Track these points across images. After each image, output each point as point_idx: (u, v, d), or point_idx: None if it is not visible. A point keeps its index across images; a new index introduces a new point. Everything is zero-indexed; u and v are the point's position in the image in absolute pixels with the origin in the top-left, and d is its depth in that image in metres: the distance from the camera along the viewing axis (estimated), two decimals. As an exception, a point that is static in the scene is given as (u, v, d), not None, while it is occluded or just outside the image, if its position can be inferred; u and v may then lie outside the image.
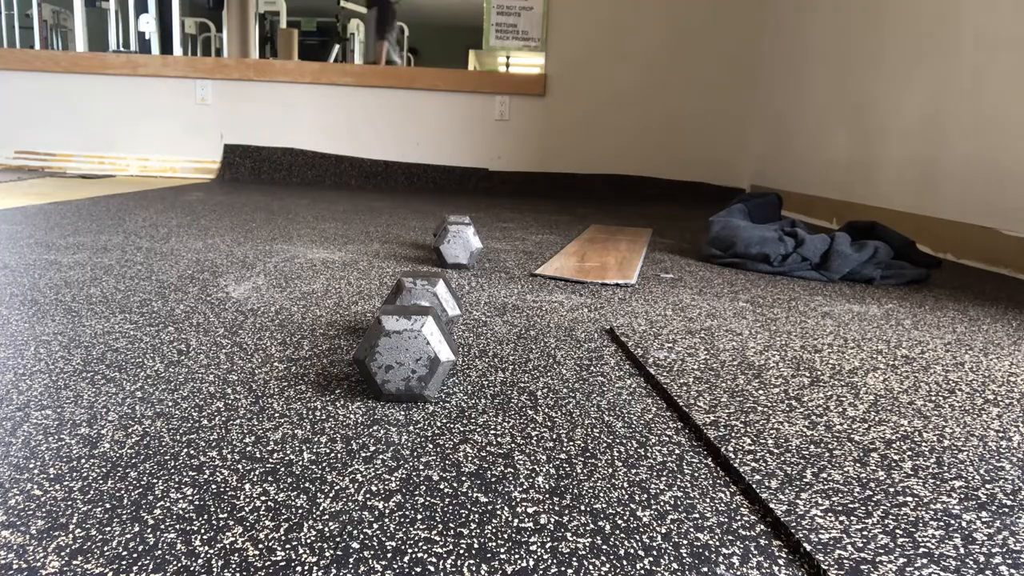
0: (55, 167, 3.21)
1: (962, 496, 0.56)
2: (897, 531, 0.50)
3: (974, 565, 0.46)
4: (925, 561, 0.47)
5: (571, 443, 0.63)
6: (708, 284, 1.35)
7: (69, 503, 0.49)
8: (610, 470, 0.58)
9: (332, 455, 0.58)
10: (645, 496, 0.54)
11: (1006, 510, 0.54)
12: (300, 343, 0.88)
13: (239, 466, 0.56)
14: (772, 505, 0.52)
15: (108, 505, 0.49)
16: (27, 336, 0.85)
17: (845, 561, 0.46)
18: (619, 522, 0.50)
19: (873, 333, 1.04)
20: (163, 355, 0.81)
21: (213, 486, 0.52)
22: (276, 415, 0.66)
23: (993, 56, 1.72)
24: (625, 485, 0.56)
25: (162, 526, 0.47)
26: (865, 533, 0.50)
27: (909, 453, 0.63)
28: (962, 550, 0.48)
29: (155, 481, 0.53)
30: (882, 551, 0.48)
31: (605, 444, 0.63)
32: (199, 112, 3.20)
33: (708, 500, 0.54)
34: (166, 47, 4.57)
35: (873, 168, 2.24)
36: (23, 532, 0.45)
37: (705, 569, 0.45)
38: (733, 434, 0.65)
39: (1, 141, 3.20)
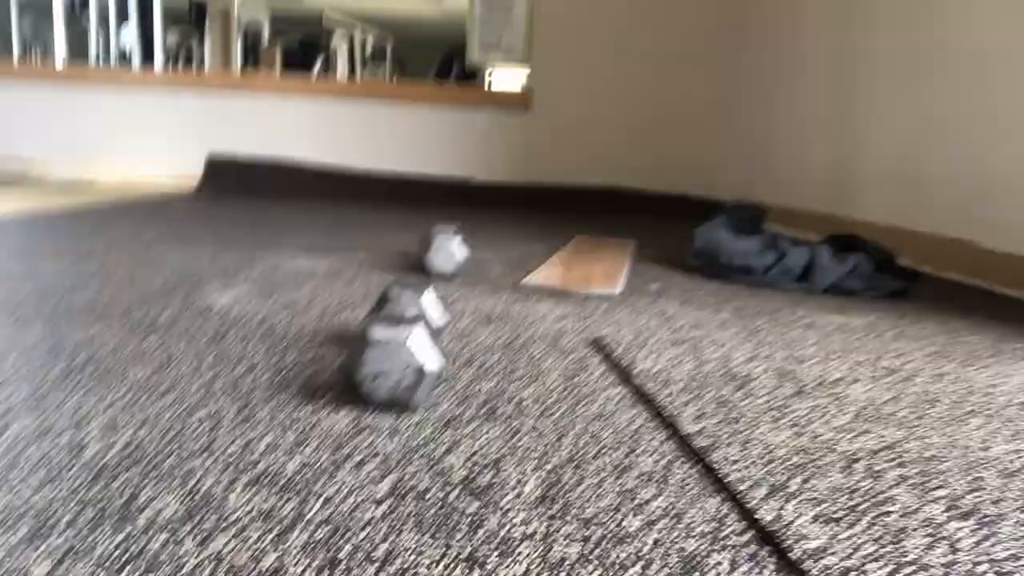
0: (36, 175, 3.18)
1: (947, 506, 0.56)
2: (884, 539, 0.50)
3: (960, 573, 0.47)
4: (912, 569, 0.47)
5: (559, 452, 0.63)
6: (692, 295, 1.35)
7: (52, 512, 0.48)
8: (598, 478, 0.58)
9: (319, 464, 0.58)
10: (634, 504, 0.54)
11: (990, 519, 0.54)
12: (286, 351, 0.87)
13: (224, 476, 0.55)
14: (759, 514, 0.53)
15: (91, 514, 0.48)
16: (10, 344, 0.84)
17: (833, 569, 0.46)
18: (608, 530, 0.50)
19: (855, 344, 1.05)
20: (147, 362, 0.80)
21: (198, 495, 0.52)
22: (261, 424, 0.65)
23: (972, 72, 1.75)
24: (614, 493, 0.56)
25: (148, 533, 0.46)
26: (852, 542, 0.50)
27: (894, 463, 0.63)
28: (948, 558, 0.48)
29: (140, 490, 0.52)
30: (869, 559, 0.48)
31: (593, 453, 0.63)
32: (182, 124, 3.18)
33: (696, 508, 0.54)
34: (147, 59, 4.54)
35: (854, 181, 2.26)
36: (4, 540, 0.45)
37: None
38: (720, 443, 0.65)
39: (-21, 149, 3.16)
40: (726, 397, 0.78)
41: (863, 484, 0.59)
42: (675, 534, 0.50)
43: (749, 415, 0.73)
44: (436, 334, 0.89)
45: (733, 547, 0.49)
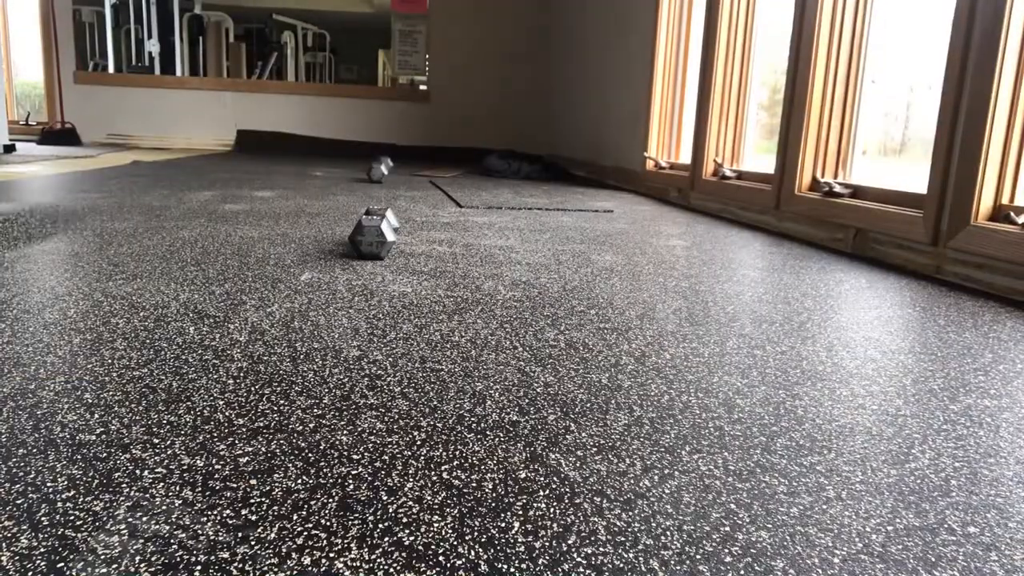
0: (132, 144, 5.28)
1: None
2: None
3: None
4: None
5: (415, 215, 2.94)
6: (475, 179, 3.68)
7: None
8: (432, 216, 2.90)
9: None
10: (435, 210, 2.86)
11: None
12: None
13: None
14: (459, 202, 2.85)
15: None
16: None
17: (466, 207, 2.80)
18: (429, 216, 2.82)
19: (521, 191, 3.39)
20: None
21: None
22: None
23: (621, 85, 4.10)
24: (439, 216, 2.88)
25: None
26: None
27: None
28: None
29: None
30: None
31: (432, 204, 2.95)
32: (222, 110, 5.33)
33: (449, 203, 2.86)
34: (167, 62, 6.59)
35: (602, 141, 4.63)
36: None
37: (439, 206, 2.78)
38: (466, 203, 2.98)
39: (100, 127, 5.24)
40: (470, 189, 3.11)
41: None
42: (443, 205, 2.83)
43: (485, 190, 3.06)
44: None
45: (447, 202, 2.82)
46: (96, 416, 0.67)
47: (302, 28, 9.84)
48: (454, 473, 0.60)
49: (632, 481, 0.60)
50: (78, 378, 0.76)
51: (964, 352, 1.02)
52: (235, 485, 0.56)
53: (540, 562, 0.48)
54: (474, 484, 0.58)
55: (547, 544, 0.50)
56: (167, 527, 0.50)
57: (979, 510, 0.58)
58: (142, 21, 6.45)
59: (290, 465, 0.59)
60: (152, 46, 6.73)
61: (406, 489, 0.57)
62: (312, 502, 0.54)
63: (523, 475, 0.60)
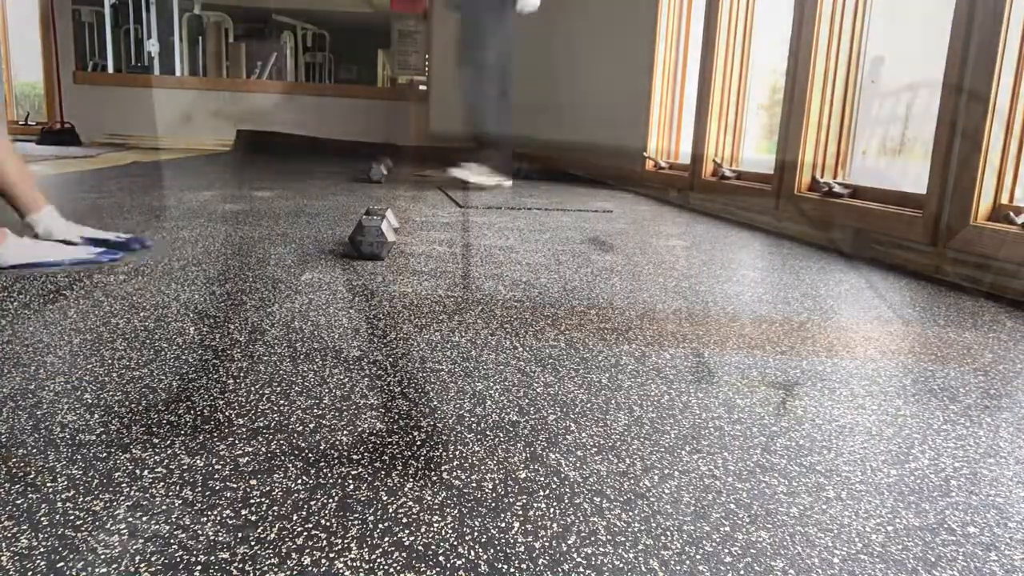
0: (131, 144, 5.28)
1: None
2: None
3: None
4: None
5: (414, 217, 2.94)
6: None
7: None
8: (431, 214, 2.90)
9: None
10: (434, 210, 2.86)
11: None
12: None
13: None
14: (459, 202, 2.85)
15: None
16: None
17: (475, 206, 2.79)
18: (429, 216, 2.82)
19: (530, 190, 3.39)
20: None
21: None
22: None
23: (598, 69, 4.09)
24: (439, 216, 2.88)
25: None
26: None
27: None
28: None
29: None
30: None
31: (430, 208, 2.95)
32: (221, 110, 5.33)
33: (449, 203, 2.87)
34: (166, 62, 6.60)
35: (602, 141, 4.63)
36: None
37: (437, 206, 2.78)
38: (466, 203, 2.98)
39: (99, 127, 5.24)
40: (470, 189, 3.11)
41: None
42: (444, 206, 2.83)
43: (475, 193, 3.06)
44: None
45: (448, 203, 2.82)
46: (96, 416, 0.67)
47: (302, 28, 9.86)
48: (454, 473, 0.60)
49: (632, 481, 0.60)
50: (78, 378, 0.76)
51: (964, 352, 1.02)
52: (235, 485, 0.56)
53: (540, 562, 0.48)
54: (474, 484, 0.58)
55: (547, 544, 0.50)
56: (167, 527, 0.50)
57: (979, 510, 0.58)
58: (141, 21, 6.44)
59: (290, 465, 0.59)
60: (151, 46, 6.73)
61: (406, 489, 0.57)
62: (312, 502, 0.54)
63: (523, 475, 0.60)
